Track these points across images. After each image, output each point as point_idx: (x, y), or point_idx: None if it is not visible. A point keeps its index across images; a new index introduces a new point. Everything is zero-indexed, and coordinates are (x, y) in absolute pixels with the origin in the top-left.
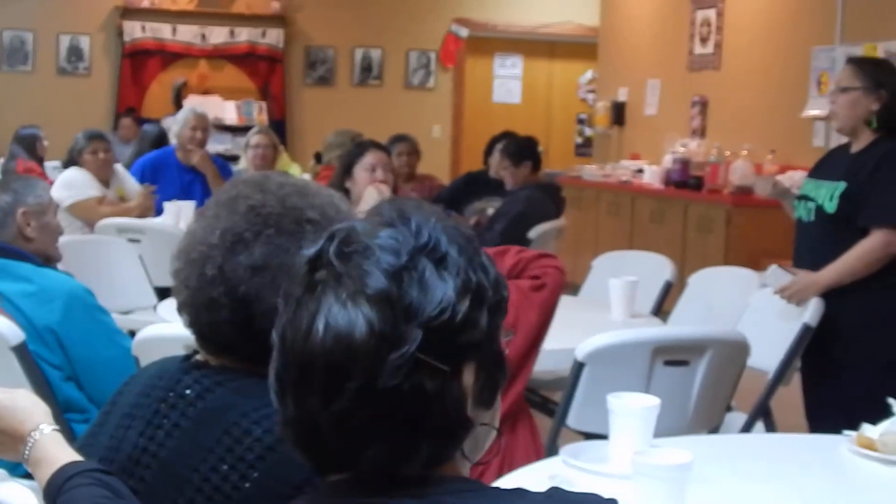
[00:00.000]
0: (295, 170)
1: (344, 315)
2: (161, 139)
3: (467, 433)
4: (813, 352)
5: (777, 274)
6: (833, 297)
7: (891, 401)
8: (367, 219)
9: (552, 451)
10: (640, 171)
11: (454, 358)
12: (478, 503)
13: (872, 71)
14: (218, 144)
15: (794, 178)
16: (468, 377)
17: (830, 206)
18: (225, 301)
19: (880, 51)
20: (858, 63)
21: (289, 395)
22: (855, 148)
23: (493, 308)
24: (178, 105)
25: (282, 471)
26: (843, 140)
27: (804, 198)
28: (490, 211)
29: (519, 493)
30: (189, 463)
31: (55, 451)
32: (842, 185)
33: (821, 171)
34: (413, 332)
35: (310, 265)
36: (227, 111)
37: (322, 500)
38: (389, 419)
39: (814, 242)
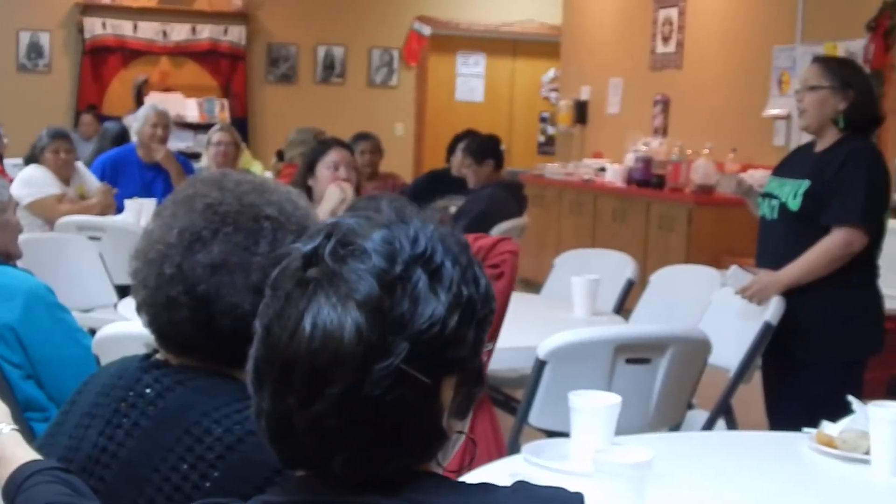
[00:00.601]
0: (257, 167)
1: (334, 318)
2: (122, 136)
3: (442, 444)
4: (774, 350)
5: (738, 274)
6: (794, 295)
7: (851, 398)
8: (365, 217)
9: (514, 448)
10: (603, 169)
11: (437, 371)
12: (448, 500)
13: (840, 70)
14: (179, 142)
15: (756, 177)
16: (448, 391)
17: (794, 204)
18: (184, 300)
19: (841, 50)
20: (826, 62)
21: (266, 389)
22: (819, 146)
23: (480, 322)
24: (139, 102)
25: (242, 470)
26: (807, 138)
27: (768, 196)
28: (452, 209)
29: (486, 487)
30: (149, 462)
31: (14, 450)
32: (805, 184)
33: (785, 169)
34: (400, 344)
35: (304, 260)
36: (189, 108)
37: (290, 495)
38: (366, 426)
39: (777, 240)
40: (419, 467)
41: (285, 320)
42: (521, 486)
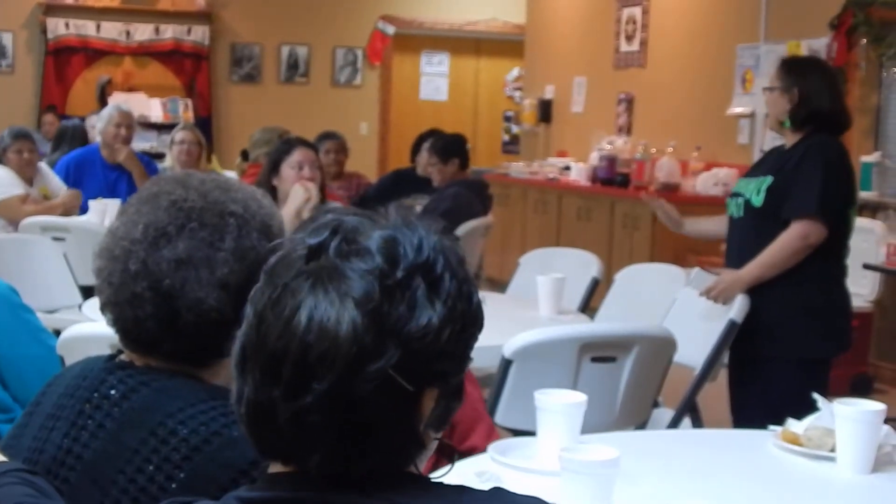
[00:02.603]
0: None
1: (331, 315)
2: (82, 135)
3: (420, 452)
4: (740, 348)
5: (701, 276)
6: (760, 293)
7: (816, 396)
8: (371, 218)
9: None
10: (567, 168)
11: (421, 381)
12: (425, 502)
13: (790, 70)
14: (143, 142)
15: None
16: (429, 401)
17: (757, 200)
18: (149, 296)
19: (804, 48)
20: (783, 63)
21: (251, 375)
22: (787, 145)
23: (468, 340)
24: (102, 102)
25: (209, 471)
26: (771, 136)
27: (735, 195)
28: (418, 208)
29: (463, 490)
30: (114, 464)
31: None
32: (769, 179)
33: (754, 169)
34: (392, 348)
35: (308, 253)
36: (153, 108)
37: (266, 491)
38: (346, 426)
39: (743, 237)
40: (398, 469)
41: (280, 309)
42: (498, 492)
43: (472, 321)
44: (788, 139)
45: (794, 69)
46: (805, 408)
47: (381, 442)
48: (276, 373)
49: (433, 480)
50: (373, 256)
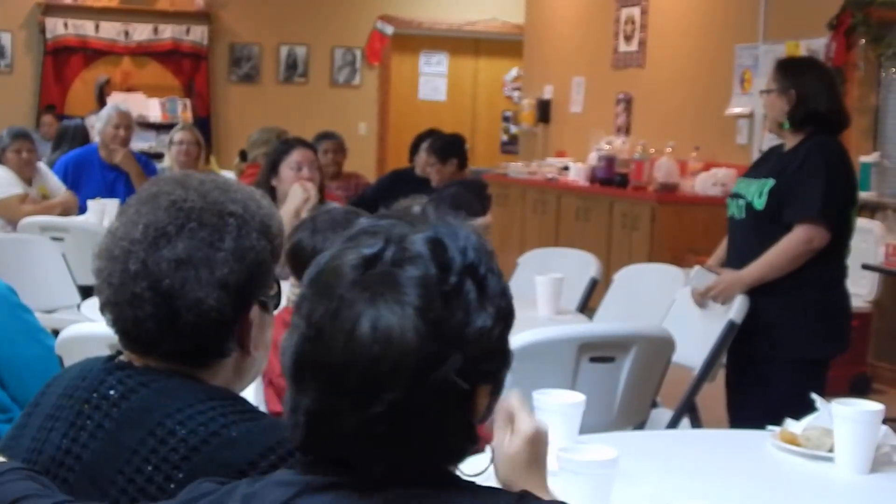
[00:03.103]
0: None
1: (395, 326)
2: (82, 135)
3: (474, 448)
4: (738, 348)
5: (701, 275)
6: (760, 294)
7: (815, 396)
8: (413, 223)
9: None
10: (566, 168)
11: (476, 380)
12: (465, 501)
13: (787, 72)
14: (142, 142)
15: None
16: (483, 398)
17: (759, 203)
18: (148, 296)
19: (803, 48)
20: (779, 64)
21: (311, 387)
22: (787, 146)
23: (508, 334)
24: (101, 102)
25: (207, 472)
26: (770, 137)
27: (736, 196)
28: (416, 209)
29: (499, 493)
30: (113, 465)
31: None
32: (770, 182)
33: (754, 169)
34: (454, 354)
35: (364, 263)
36: (151, 108)
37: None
38: (411, 431)
39: (744, 239)
40: (452, 465)
41: (341, 321)
42: (526, 495)
43: (512, 315)
44: (788, 141)
45: (791, 70)
46: (803, 408)
47: (442, 443)
48: (341, 384)
49: (468, 480)
50: (425, 263)
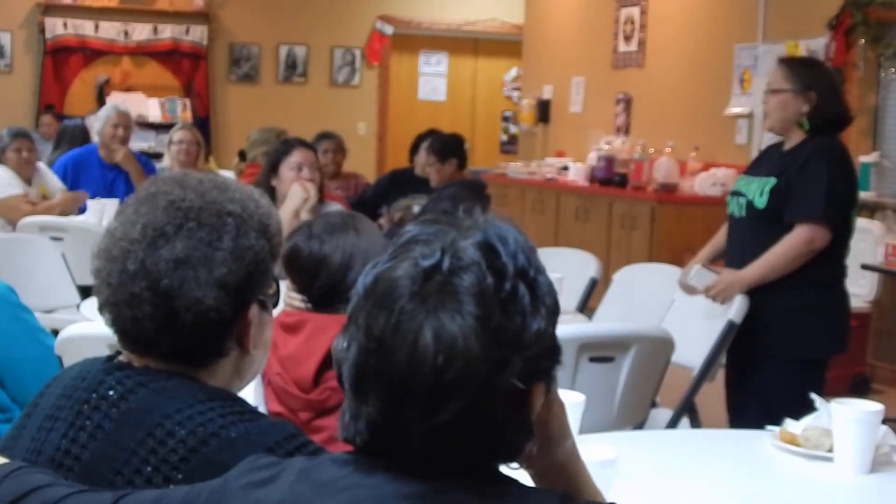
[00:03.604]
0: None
1: (458, 336)
2: (83, 135)
3: (530, 443)
4: (737, 347)
5: (701, 273)
6: (756, 292)
7: (814, 396)
8: (464, 229)
9: None
10: (565, 168)
11: (532, 380)
12: (514, 501)
13: (802, 72)
14: (141, 142)
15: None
16: (539, 396)
17: (760, 202)
18: (147, 296)
19: (802, 48)
20: (789, 64)
21: (375, 398)
22: (787, 145)
23: (556, 328)
24: (100, 102)
25: (206, 472)
26: (771, 137)
27: (736, 194)
28: (416, 208)
29: (545, 492)
30: (112, 465)
31: None
32: (772, 181)
33: (754, 167)
34: (514, 358)
35: (424, 275)
36: (151, 108)
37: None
38: (477, 435)
39: (744, 238)
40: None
41: (403, 334)
42: (566, 493)
43: (558, 311)
44: (790, 139)
45: (807, 71)
46: (801, 407)
47: (501, 441)
48: (407, 396)
49: (516, 480)
50: (480, 270)
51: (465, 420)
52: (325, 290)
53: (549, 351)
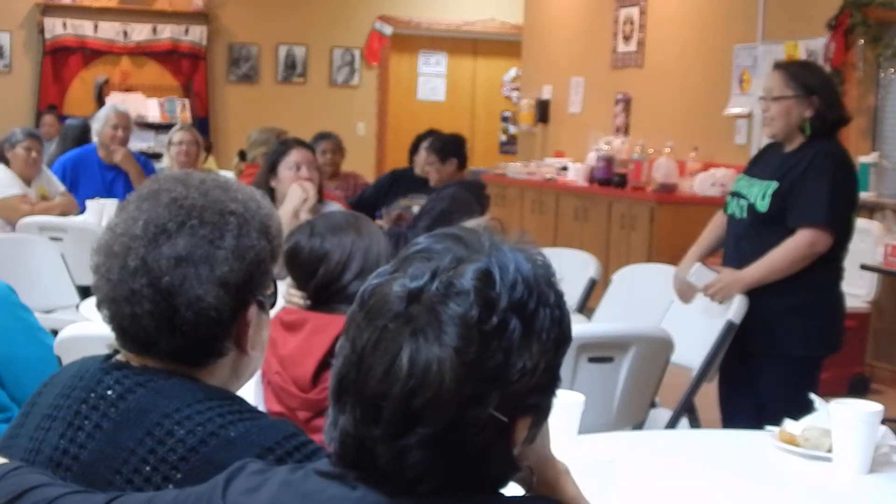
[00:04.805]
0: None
1: (433, 364)
2: (84, 135)
3: (514, 475)
4: (733, 347)
5: (701, 271)
6: (753, 292)
7: (813, 396)
8: (465, 254)
9: None
10: (565, 168)
11: (517, 413)
12: None
13: (803, 77)
14: (141, 142)
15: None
16: (522, 430)
17: (762, 205)
18: (147, 292)
19: (801, 49)
20: (788, 69)
21: (349, 411)
22: (789, 148)
23: (560, 359)
24: (100, 102)
25: (205, 472)
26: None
27: (737, 195)
28: (415, 209)
29: (535, 500)
30: (111, 465)
31: None
32: (773, 185)
33: (755, 168)
34: (492, 393)
35: (409, 297)
36: (150, 108)
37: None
38: (447, 462)
39: (745, 240)
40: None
41: (381, 353)
42: None
43: (564, 341)
44: (791, 142)
45: (809, 75)
46: (794, 406)
47: (478, 471)
48: (377, 414)
49: (505, 495)
50: (469, 300)
51: (433, 446)
52: (321, 287)
53: (540, 387)
